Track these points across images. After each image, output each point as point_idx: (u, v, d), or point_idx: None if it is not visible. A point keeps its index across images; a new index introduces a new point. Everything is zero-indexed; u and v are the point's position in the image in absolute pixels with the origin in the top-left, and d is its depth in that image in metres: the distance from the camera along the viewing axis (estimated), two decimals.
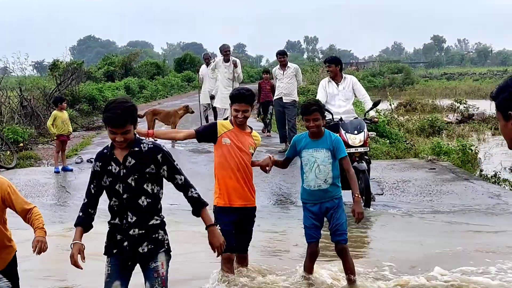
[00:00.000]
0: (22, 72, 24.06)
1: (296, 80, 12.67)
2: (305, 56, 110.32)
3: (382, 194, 9.51)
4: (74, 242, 3.89)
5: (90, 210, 3.98)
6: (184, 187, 4.02)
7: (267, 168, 5.54)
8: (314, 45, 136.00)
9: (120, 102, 3.78)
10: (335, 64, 9.30)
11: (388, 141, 14.50)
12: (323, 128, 5.53)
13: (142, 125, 15.82)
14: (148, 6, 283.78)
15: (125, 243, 3.91)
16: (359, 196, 5.42)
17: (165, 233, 4.00)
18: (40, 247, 4.04)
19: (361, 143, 8.89)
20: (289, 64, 12.78)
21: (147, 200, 3.90)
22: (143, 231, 3.89)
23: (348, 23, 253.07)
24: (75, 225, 3.98)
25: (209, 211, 4.15)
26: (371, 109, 9.34)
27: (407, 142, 14.69)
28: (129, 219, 3.88)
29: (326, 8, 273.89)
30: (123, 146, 3.83)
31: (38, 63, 46.94)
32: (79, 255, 3.85)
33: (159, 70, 38.43)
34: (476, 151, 12.64)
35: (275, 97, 13.11)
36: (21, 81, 22.67)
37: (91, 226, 3.99)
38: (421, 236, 7.23)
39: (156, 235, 3.95)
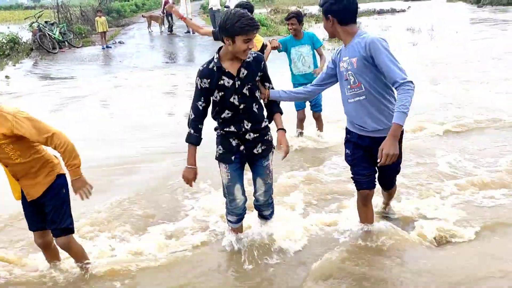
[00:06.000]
0: None
1: None
2: None
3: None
4: (189, 167, 3.35)
5: (199, 125, 3.35)
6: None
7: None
8: None
9: (240, 10, 3.05)
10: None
11: (266, 28, 18.61)
12: (301, 30, 5.65)
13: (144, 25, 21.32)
14: None
15: (242, 147, 3.41)
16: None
17: (270, 134, 3.48)
18: (84, 193, 3.06)
19: None
20: None
21: (257, 105, 3.34)
22: (257, 134, 3.39)
23: None
24: (188, 142, 3.35)
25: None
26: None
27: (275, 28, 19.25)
28: (246, 125, 3.32)
29: None
30: (248, 54, 3.13)
31: None
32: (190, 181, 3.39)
33: None
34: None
35: (210, 7, 16.72)
36: (81, 3, 26.81)
37: (201, 140, 3.38)
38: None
39: (267, 136, 3.47)
